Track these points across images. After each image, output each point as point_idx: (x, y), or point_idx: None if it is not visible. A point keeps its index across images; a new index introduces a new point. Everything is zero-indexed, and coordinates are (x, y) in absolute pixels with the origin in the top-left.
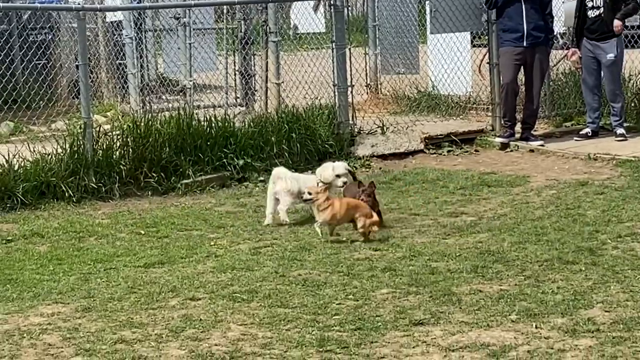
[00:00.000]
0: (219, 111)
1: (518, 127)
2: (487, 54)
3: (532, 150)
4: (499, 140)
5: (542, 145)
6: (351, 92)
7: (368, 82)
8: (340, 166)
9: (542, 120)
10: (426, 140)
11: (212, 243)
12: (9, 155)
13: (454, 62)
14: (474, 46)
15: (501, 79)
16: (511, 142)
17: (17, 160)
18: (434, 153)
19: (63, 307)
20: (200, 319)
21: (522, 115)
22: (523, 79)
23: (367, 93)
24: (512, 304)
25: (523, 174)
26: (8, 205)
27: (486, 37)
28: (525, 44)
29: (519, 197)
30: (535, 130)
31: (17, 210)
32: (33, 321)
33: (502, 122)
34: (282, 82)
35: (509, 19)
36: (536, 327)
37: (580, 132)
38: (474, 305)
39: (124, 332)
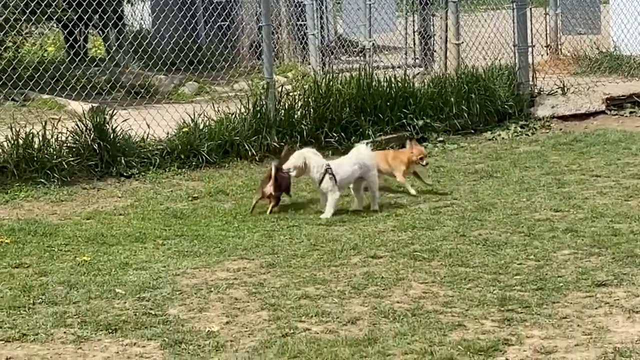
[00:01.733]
0: (398, 72)
1: None
2: None
3: None
4: None
5: None
6: (531, 52)
7: (548, 43)
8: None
9: None
10: (608, 102)
11: (391, 202)
12: (194, 114)
13: (637, 21)
14: None
15: None
16: None
17: (202, 120)
18: (616, 114)
19: (248, 262)
20: (382, 277)
21: None
22: None
23: (547, 53)
24: None
25: None
26: (193, 163)
27: None
28: None
29: None
30: None
31: (202, 169)
32: (220, 276)
33: None
34: (462, 42)
35: None
36: None
37: None
38: None
39: (308, 288)
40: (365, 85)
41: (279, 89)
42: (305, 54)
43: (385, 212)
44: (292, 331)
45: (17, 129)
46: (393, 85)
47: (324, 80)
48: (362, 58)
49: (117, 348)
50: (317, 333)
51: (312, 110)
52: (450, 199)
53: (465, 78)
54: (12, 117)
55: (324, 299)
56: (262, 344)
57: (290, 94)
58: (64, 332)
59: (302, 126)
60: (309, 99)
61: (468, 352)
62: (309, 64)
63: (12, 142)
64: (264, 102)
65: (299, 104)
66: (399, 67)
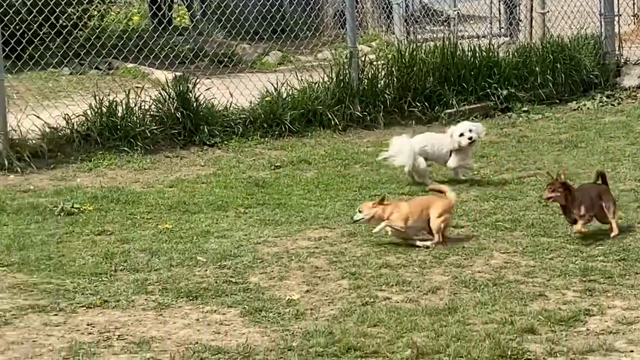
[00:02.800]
0: (483, 41)
1: None
2: None
3: None
4: None
5: None
6: (618, 21)
7: (635, 12)
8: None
9: None
10: None
11: (474, 172)
12: (277, 83)
13: None
14: None
15: None
16: None
17: (285, 89)
18: None
19: (329, 231)
20: (463, 246)
21: None
22: None
23: (634, 22)
24: None
25: None
26: (276, 132)
27: None
28: None
29: None
30: None
31: (284, 138)
32: (301, 244)
33: None
34: (547, 11)
35: None
36: None
37: None
38: None
39: (389, 257)
40: (450, 55)
41: (363, 58)
42: (389, 23)
43: (468, 182)
44: (372, 300)
45: (101, 98)
46: (477, 54)
47: (407, 49)
48: (446, 27)
49: (197, 315)
50: (397, 302)
51: (395, 79)
52: (534, 169)
53: (551, 47)
54: (97, 85)
55: (404, 268)
56: (342, 312)
57: (374, 63)
58: (145, 299)
59: (385, 96)
60: (393, 69)
61: (549, 322)
62: (393, 33)
63: (96, 110)
64: (347, 72)
65: (382, 74)
66: (483, 36)
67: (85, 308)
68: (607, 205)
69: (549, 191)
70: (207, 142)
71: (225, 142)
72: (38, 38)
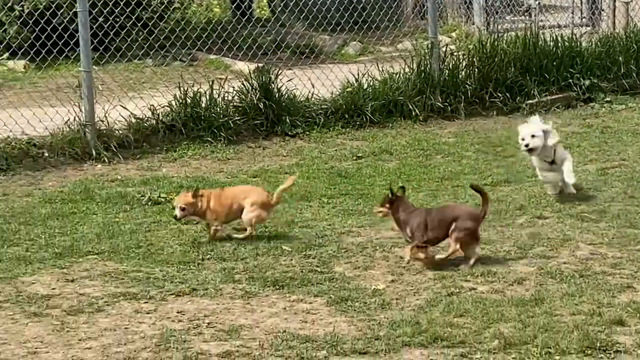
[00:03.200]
0: (565, 31)
1: None
2: None
3: None
4: None
5: None
6: None
7: None
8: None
9: None
10: None
11: None
12: (358, 74)
13: None
14: None
15: None
16: None
17: (366, 80)
18: None
19: None
20: (548, 237)
21: None
22: None
23: None
24: None
25: None
26: (357, 122)
27: None
28: None
29: None
30: None
31: (365, 128)
32: (385, 235)
33: None
34: (631, 0)
35: None
36: None
37: None
38: None
39: None
40: (531, 45)
41: (443, 49)
42: (470, 14)
43: None
44: (457, 290)
45: (185, 89)
46: (559, 44)
47: (488, 39)
48: (527, 17)
49: (284, 304)
50: (483, 292)
51: (476, 70)
52: (618, 160)
53: (635, 37)
54: (181, 76)
55: (489, 259)
56: (427, 302)
57: (455, 53)
58: (233, 288)
59: (467, 86)
60: (474, 59)
61: (637, 314)
62: (473, 23)
63: (181, 101)
64: (428, 62)
65: (463, 64)
66: (565, 26)
67: (174, 296)
68: (454, 231)
69: (378, 206)
70: (289, 133)
71: (307, 133)
72: (124, 30)
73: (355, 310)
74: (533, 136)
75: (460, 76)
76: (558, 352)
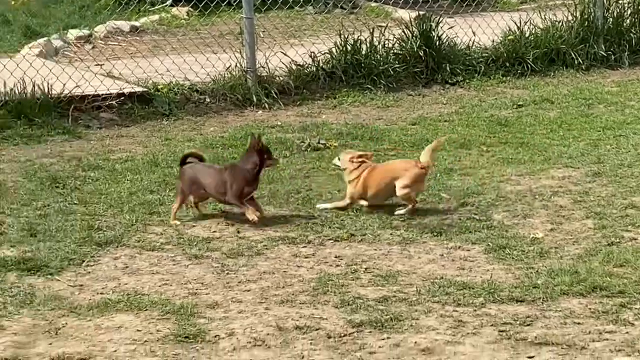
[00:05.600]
0: None
1: None
2: None
3: None
4: None
5: None
6: None
7: None
8: None
9: None
10: None
11: None
12: (520, 22)
13: None
14: None
15: None
16: None
17: (528, 28)
18: None
19: (573, 171)
20: None
21: None
22: None
23: None
24: None
25: None
26: (518, 71)
27: None
28: None
29: None
30: None
31: (526, 77)
32: (544, 183)
33: None
34: None
35: None
36: None
37: None
38: None
39: (635, 197)
40: None
41: None
42: None
43: None
44: (617, 240)
45: (346, 36)
46: None
47: None
48: None
49: (441, 251)
50: None
51: None
52: None
53: None
54: (341, 24)
55: None
56: (587, 252)
57: (619, 1)
58: (390, 234)
59: (631, 34)
60: (639, 7)
61: None
62: None
63: (341, 48)
64: (591, 10)
65: (628, 12)
66: None
67: (332, 241)
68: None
69: None
70: (449, 81)
71: (467, 81)
72: None
73: (513, 258)
74: None
75: (624, 24)
76: None
